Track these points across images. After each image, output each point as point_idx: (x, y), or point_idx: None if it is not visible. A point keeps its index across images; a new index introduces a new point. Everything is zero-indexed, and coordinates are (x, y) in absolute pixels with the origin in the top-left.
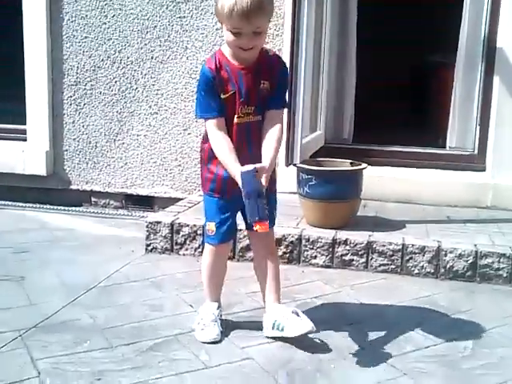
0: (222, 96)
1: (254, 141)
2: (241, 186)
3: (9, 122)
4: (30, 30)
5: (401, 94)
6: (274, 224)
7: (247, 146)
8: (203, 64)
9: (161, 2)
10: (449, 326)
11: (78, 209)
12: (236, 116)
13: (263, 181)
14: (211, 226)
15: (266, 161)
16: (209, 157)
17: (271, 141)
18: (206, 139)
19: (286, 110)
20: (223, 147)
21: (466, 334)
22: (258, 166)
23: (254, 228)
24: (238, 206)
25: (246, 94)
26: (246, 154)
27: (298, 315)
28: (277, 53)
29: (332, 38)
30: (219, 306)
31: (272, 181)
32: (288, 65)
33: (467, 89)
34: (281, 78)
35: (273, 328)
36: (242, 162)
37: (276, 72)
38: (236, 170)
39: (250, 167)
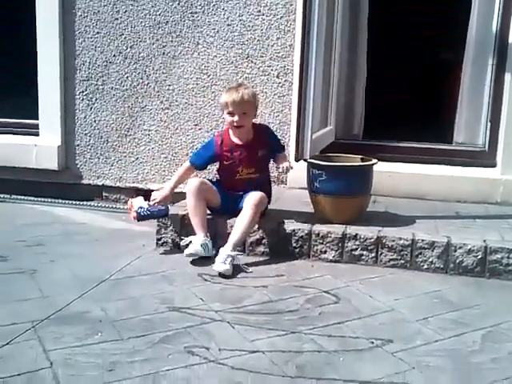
0: (225, 163)
1: (252, 189)
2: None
3: (21, 117)
4: (42, 25)
5: (412, 91)
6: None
7: (248, 190)
8: (213, 136)
9: None
10: (458, 321)
11: (89, 203)
12: (238, 175)
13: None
14: None
15: None
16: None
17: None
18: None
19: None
20: (176, 175)
21: (475, 329)
22: None
23: None
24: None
25: (247, 160)
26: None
27: (230, 260)
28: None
29: (343, 34)
30: (205, 235)
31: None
32: (299, 60)
33: (477, 84)
34: (270, 140)
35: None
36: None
37: (266, 139)
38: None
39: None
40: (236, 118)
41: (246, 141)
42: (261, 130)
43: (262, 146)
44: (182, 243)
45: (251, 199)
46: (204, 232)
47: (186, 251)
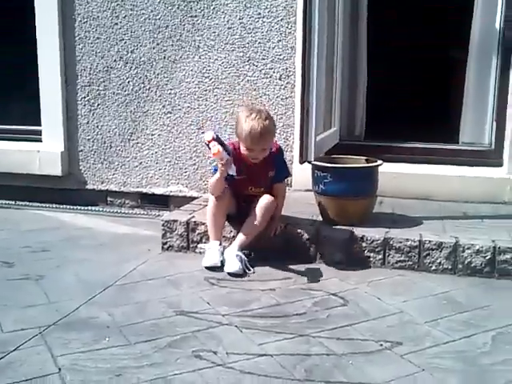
0: (236, 177)
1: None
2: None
3: (24, 124)
4: (42, 31)
5: (415, 90)
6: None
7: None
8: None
9: (172, 1)
10: (467, 322)
11: (94, 208)
12: (246, 191)
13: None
14: None
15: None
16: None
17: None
18: None
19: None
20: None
21: (485, 330)
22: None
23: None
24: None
25: (257, 180)
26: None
27: (239, 259)
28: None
29: (344, 35)
30: (220, 243)
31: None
32: (300, 62)
33: (482, 83)
34: (277, 162)
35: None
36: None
37: (274, 160)
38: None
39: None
40: (254, 154)
41: (259, 161)
42: (272, 151)
43: (271, 168)
44: (198, 251)
45: (260, 203)
46: (219, 240)
47: (204, 263)
